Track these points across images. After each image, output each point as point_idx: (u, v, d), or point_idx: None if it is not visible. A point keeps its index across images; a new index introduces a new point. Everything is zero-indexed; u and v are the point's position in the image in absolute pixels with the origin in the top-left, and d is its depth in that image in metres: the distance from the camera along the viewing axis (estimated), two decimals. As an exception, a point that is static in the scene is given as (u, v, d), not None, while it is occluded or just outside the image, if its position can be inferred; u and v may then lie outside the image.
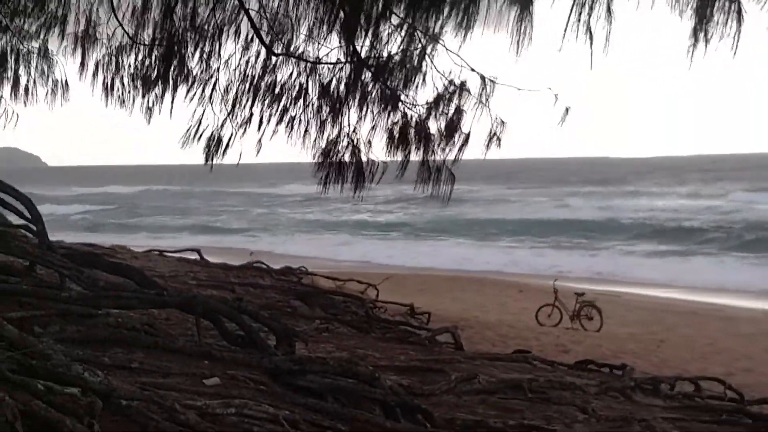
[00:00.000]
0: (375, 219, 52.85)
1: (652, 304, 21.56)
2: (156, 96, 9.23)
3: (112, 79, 9.58)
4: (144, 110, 9.42)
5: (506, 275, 28.26)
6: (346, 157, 8.49)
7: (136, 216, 59.54)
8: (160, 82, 9.27)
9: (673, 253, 35.18)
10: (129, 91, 9.48)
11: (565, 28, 5.68)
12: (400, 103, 8.27)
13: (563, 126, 7.37)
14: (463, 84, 8.02)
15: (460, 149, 8.05)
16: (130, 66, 9.47)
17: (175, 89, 9.24)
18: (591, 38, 5.79)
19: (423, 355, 8.53)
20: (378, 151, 8.59)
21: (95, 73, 9.66)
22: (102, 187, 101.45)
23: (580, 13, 5.80)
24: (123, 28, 9.25)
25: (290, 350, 6.14)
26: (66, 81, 10.63)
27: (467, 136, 8.11)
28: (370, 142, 8.58)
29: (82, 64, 9.73)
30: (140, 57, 9.33)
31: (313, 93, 8.83)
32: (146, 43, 9.19)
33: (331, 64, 8.57)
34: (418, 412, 5.23)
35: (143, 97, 9.39)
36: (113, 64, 9.57)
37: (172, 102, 9.13)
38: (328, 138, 8.59)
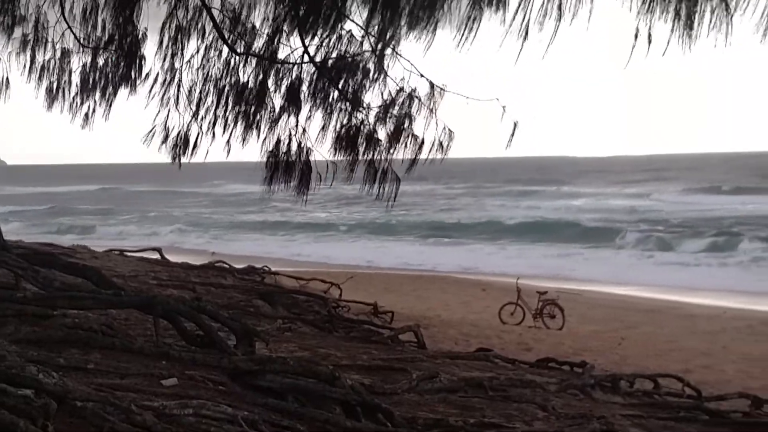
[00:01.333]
0: (339, 219, 52.84)
1: (613, 301, 21.79)
2: (107, 98, 9.18)
3: (58, 82, 9.52)
4: (84, 116, 9.40)
5: (469, 274, 28.37)
6: (293, 157, 8.48)
7: (65, 215, 58.22)
8: (117, 84, 9.24)
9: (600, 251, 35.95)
10: (77, 94, 9.44)
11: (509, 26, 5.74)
12: (351, 106, 8.27)
13: (511, 142, 7.36)
14: (413, 90, 8.02)
15: (415, 154, 8.05)
16: (86, 67, 9.41)
17: (133, 90, 9.19)
18: (526, 36, 5.85)
19: (385, 354, 8.55)
20: (326, 150, 8.61)
21: (40, 77, 9.61)
22: (51, 187, 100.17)
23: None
24: (72, 31, 9.16)
25: (250, 350, 6.11)
26: (7, 78, 10.41)
27: (417, 140, 8.10)
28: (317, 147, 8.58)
29: (29, 67, 9.66)
30: (92, 59, 9.27)
31: (272, 92, 8.82)
32: (98, 44, 9.12)
33: (289, 64, 8.55)
34: (379, 411, 5.24)
35: (96, 100, 9.35)
36: (59, 66, 9.52)
37: (110, 106, 9.13)
38: (277, 137, 8.58)
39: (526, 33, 5.95)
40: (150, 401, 4.48)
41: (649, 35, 5.58)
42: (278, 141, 8.70)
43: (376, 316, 13.76)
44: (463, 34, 6.65)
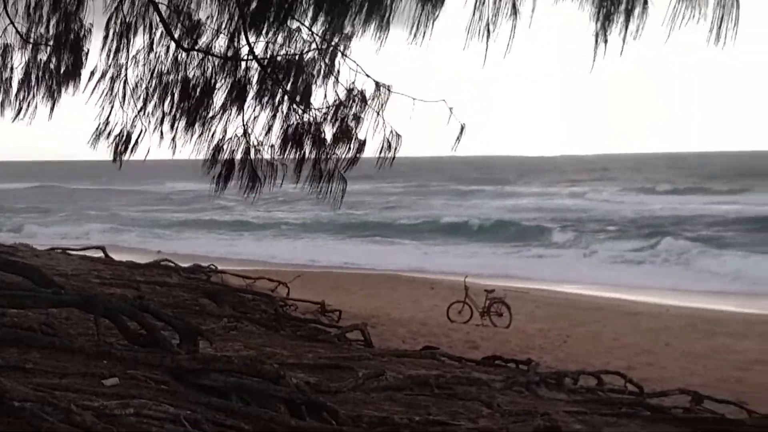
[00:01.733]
0: (285, 218, 52.62)
1: (560, 300, 22.08)
2: (51, 95, 9.04)
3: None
4: (26, 113, 9.25)
5: (418, 273, 28.50)
6: (239, 156, 8.45)
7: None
8: (61, 80, 9.09)
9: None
10: (19, 91, 9.27)
11: (469, 27, 5.77)
12: (296, 107, 8.26)
13: (458, 145, 7.40)
14: (361, 92, 8.02)
15: (355, 155, 8.06)
16: (29, 63, 9.24)
17: (78, 86, 9.07)
18: (488, 35, 5.89)
19: (332, 353, 8.55)
20: (274, 150, 8.58)
21: None
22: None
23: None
24: (14, 26, 8.98)
25: (194, 349, 6.06)
26: None
27: (362, 142, 8.11)
28: (271, 145, 8.54)
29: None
30: (35, 54, 9.11)
31: (218, 90, 8.76)
32: (41, 40, 8.96)
33: (236, 61, 8.49)
34: (324, 409, 5.24)
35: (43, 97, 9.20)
36: (0, 62, 9.32)
37: (53, 103, 9.00)
38: (224, 136, 8.54)
39: (488, 32, 6.00)
40: (90, 401, 4.42)
41: (596, 36, 5.68)
42: (223, 139, 8.65)
43: (323, 315, 13.76)
44: (413, 34, 6.69)
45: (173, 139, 8.99)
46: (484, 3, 5.89)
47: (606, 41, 5.69)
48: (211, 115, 8.74)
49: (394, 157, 7.88)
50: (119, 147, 8.99)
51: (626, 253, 34.04)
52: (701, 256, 31.71)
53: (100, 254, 18.24)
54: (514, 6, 5.89)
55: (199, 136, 8.79)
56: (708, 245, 34.73)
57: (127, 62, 8.83)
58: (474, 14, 5.90)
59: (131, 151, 9.04)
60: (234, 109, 8.61)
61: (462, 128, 7.24)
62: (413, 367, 8.24)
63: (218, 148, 8.64)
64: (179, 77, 8.88)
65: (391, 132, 7.83)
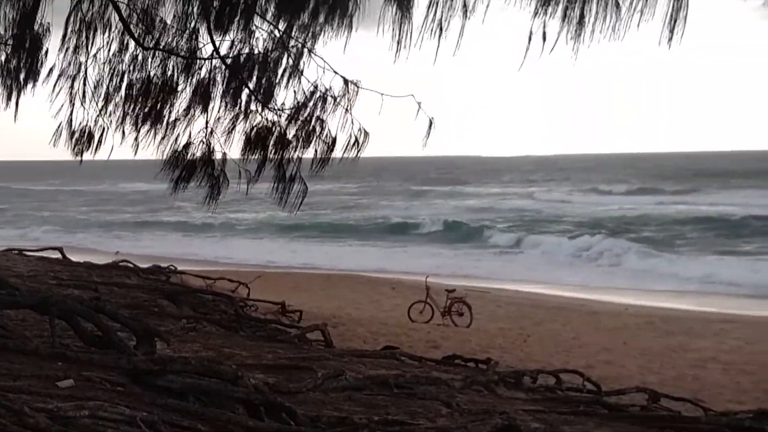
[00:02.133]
0: (245, 219, 52.45)
1: (521, 299, 22.25)
2: (8, 94, 8.91)
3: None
4: None
5: (379, 273, 28.53)
6: (201, 157, 8.39)
7: None
8: (19, 79, 8.96)
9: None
10: None
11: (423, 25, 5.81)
12: (261, 106, 8.23)
13: (427, 141, 7.43)
14: (327, 90, 8.00)
15: (325, 155, 8.05)
16: None
17: (36, 84, 8.95)
18: (440, 32, 5.93)
19: (291, 353, 8.54)
20: (236, 151, 8.53)
21: None
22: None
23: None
24: None
25: (151, 350, 6.02)
26: None
27: (328, 141, 8.10)
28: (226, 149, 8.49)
29: None
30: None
31: (179, 90, 8.69)
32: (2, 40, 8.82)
33: (200, 60, 8.43)
34: (282, 410, 5.23)
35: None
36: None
37: (8, 100, 8.86)
38: (186, 136, 8.48)
39: (441, 30, 6.03)
40: (44, 403, 4.38)
41: (544, 34, 5.73)
42: (185, 140, 8.58)
43: (284, 316, 13.74)
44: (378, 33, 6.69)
45: (136, 138, 8.93)
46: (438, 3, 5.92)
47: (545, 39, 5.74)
48: (173, 116, 8.67)
49: (357, 156, 7.88)
50: (81, 146, 8.90)
51: (565, 252, 34.83)
52: (636, 256, 32.46)
53: (57, 255, 18.01)
54: (465, 5, 5.93)
55: (162, 138, 8.71)
56: (647, 245, 35.78)
57: (87, 60, 8.74)
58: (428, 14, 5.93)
59: (95, 150, 8.96)
60: (197, 110, 8.56)
61: (431, 122, 7.29)
62: (373, 367, 8.26)
63: (180, 149, 8.57)
64: (140, 76, 8.81)
65: (360, 129, 7.83)
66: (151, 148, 8.71)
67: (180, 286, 14.42)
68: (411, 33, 6.47)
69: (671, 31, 5.36)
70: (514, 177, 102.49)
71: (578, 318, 18.88)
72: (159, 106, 8.73)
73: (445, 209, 56.77)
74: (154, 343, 6.27)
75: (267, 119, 8.32)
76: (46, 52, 8.93)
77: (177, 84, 8.64)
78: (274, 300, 14.69)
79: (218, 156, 8.48)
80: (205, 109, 8.51)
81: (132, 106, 8.82)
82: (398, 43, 6.51)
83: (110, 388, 5.08)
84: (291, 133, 8.26)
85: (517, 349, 14.09)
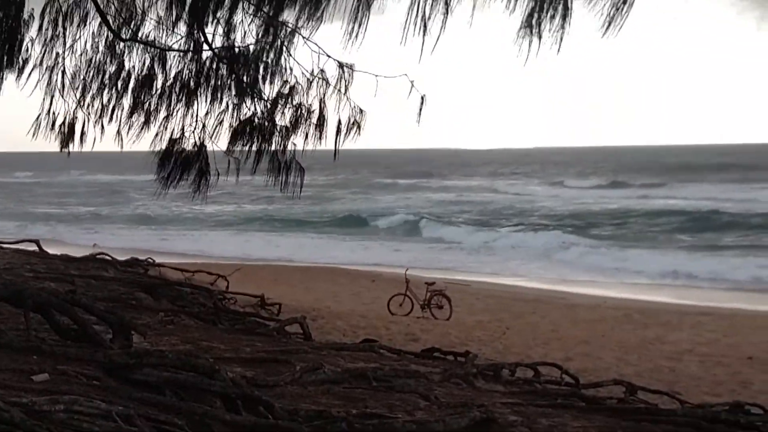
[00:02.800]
0: (227, 211, 52.32)
1: (501, 292, 22.32)
2: None
3: None
4: None
5: (359, 265, 28.54)
6: (189, 149, 8.34)
7: None
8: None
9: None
10: None
11: (406, 22, 5.80)
12: (250, 95, 8.18)
13: (421, 117, 7.45)
14: (321, 72, 7.97)
15: (314, 142, 8.04)
16: None
17: (13, 74, 8.85)
18: (425, 31, 5.93)
19: (270, 347, 8.52)
20: (225, 143, 8.49)
21: None
22: None
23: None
24: None
25: (127, 343, 5.98)
26: None
27: (322, 127, 8.08)
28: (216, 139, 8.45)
29: None
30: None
31: (161, 83, 8.62)
32: None
33: (180, 51, 8.36)
34: (260, 403, 5.20)
35: None
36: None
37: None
38: (174, 131, 8.41)
39: (425, 27, 6.02)
40: (19, 397, 4.33)
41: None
42: (173, 133, 8.52)
43: (263, 309, 13.70)
44: (351, 30, 6.69)
45: (118, 132, 8.87)
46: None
47: (537, 36, 5.75)
48: (154, 106, 8.61)
49: (358, 134, 7.88)
50: (63, 137, 8.86)
51: (510, 245, 35.55)
52: (579, 250, 32.94)
53: (34, 248, 17.87)
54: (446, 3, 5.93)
55: (142, 127, 8.65)
56: (596, 240, 36.70)
57: (64, 51, 8.66)
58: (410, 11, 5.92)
59: (80, 143, 8.92)
60: (184, 100, 8.49)
61: (422, 99, 7.31)
62: (352, 360, 8.26)
63: (169, 143, 8.51)
64: (118, 68, 8.74)
65: (354, 108, 7.80)
66: (139, 142, 8.68)
67: (158, 279, 14.36)
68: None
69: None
70: (484, 170, 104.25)
71: (557, 311, 18.97)
72: (141, 98, 8.68)
73: (405, 203, 57.39)
74: (130, 336, 6.23)
75: (256, 108, 8.28)
76: (25, 41, 8.85)
77: (155, 75, 8.59)
78: (253, 293, 14.64)
79: (210, 148, 8.46)
80: (189, 100, 8.45)
81: (113, 98, 8.77)
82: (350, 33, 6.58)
83: (86, 382, 5.04)
84: (285, 120, 8.24)
85: (496, 342, 14.13)
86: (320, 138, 8.08)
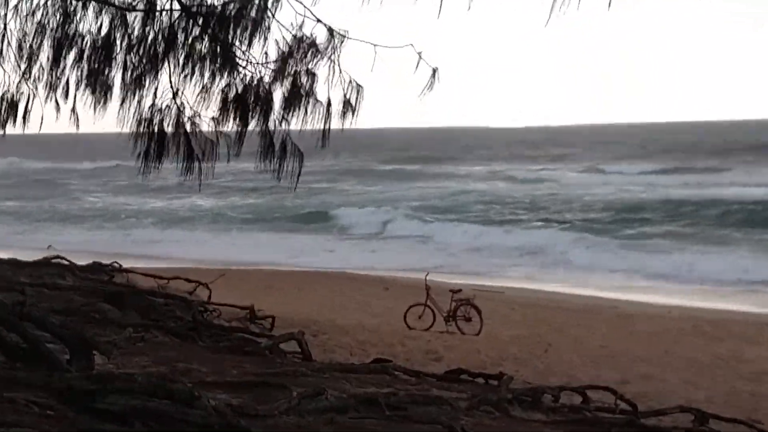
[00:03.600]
0: (208, 205, 52.52)
1: (541, 301, 22.29)
2: None
3: None
4: None
5: (369, 269, 28.55)
6: (170, 129, 8.36)
7: None
8: None
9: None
10: None
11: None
12: (235, 63, 8.18)
13: (430, 92, 7.47)
14: (312, 40, 7.99)
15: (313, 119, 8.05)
16: None
17: None
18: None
19: (261, 368, 8.54)
20: (210, 121, 8.52)
21: None
22: None
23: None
24: None
25: (88, 365, 6.00)
26: None
27: (315, 101, 8.09)
28: (199, 115, 8.47)
29: None
30: None
31: (127, 48, 8.64)
32: None
33: (143, 12, 8.38)
34: (249, 437, 5.21)
35: None
36: None
37: None
38: (145, 104, 8.44)
39: None
40: (-45, 432, 4.34)
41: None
42: (149, 109, 8.54)
43: (252, 322, 13.73)
44: None
45: (73, 109, 8.90)
46: None
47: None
48: (125, 78, 8.64)
49: (356, 115, 7.89)
50: (1, 116, 8.90)
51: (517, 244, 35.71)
52: (630, 252, 32.88)
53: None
54: None
55: (111, 105, 8.69)
56: (651, 238, 36.66)
57: (5, 14, 8.70)
58: None
59: (23, 122, 8.96)
60: (157, 70, 8.52)
61: (434, 72, 7.32)
62: (360, 384, 8.26)
63: (145, 119, 8.55)
64: (72, 32, 8.76)
65: (351, 82, 7.81)
66: (101, 120, 8.71)
67: (126, 287, 14.40)
68: None
69: None
70: (506, 152, 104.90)
71: (608, 322, 18.91)
72: (100, 68, 8.70)
73: (394, 195, 57.58)
74: (92, 356, 6.25)
75: (239, 78, 8.30)
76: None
77: (119, 40, 8.61)
78: (240, 303, 14.66)
79: (192, 126, 8.48)
80: (155, 70, 8.47)
81: (66, 69, 8.80)
82: None
83: (38, 411, 5.05)
84: (275, 92, 8.26)
85: (535, 361, 14.10)
86: (327, 116, 8.09)
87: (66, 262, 16.93)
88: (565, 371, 13.16)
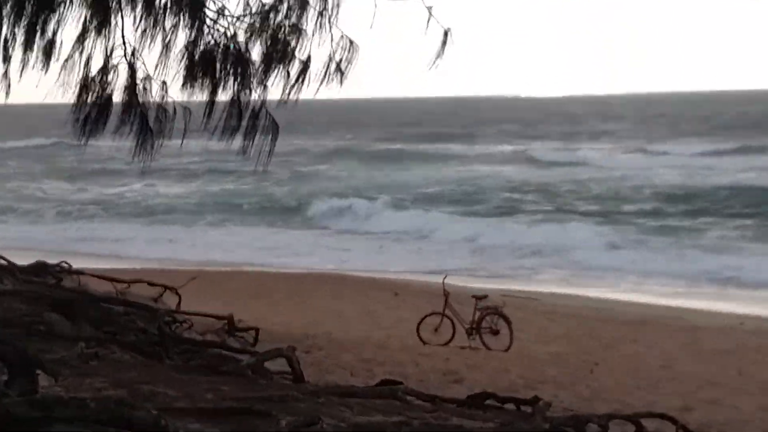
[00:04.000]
0: (174, 191, 52.62)
1: (585, 310, 22.31)
2: None
3: None
4: None
5: (375, 272, 28.62)
6: (119, 96, 8.40)
7: None
8: None
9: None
10: None
11: None
12: (202, 13, 8.22)
13: (443, 58, 7.50)
14: None
15: (294, 84, 8.06)
16: None
17: None
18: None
19: (242, 392, 8.55)
20: (173, 89, 8.56)
21: None
22: None
23: None
24: None
25: (31, 388, 6.03)
26: None
27: (304, 64, 8.12)
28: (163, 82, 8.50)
29: None
30: None
31: None
32: None
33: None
34: (227, 475, 5.25)
35: None
36: None
37: None
38: (90, 64, 8.46)
39: None
40: None
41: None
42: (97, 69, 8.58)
43: (231, 336, 13.76)
44: None
45: (5, 73, 8.95)
46: None
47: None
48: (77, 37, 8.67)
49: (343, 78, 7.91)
50: None
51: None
52: (694, 251, 33.14)
53: None
54: None
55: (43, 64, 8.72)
56: (721, 236, 37.00)
57: None
58: None
59: None
60: (106, 21, 8.54)
61: (446, 34, 7.34)
62: (364, 410, 8.27)
63: (89, 82, 8.58)
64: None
65: (342, 38, 7.84)
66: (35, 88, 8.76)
67: (77, 293, 14.43)
68: None
69: None
70: (522, 128, 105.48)
71: (670, 337, 18.93)
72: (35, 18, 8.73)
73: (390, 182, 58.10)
74: (35, 377, 6.27)
75: (214, 34, 8.33)
76: None
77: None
78: (217, 313, 14.70)
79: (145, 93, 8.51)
80: (107, 21, 8.49)
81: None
82: None
83: (-31, 444, 5.08)
84: (251, 51, 8.28)
85: (578, 384, 14.12)
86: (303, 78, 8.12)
87: (4, 262, 16.96)
88: (616, 396, 13.18)
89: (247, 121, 8.24)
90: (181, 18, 8.41)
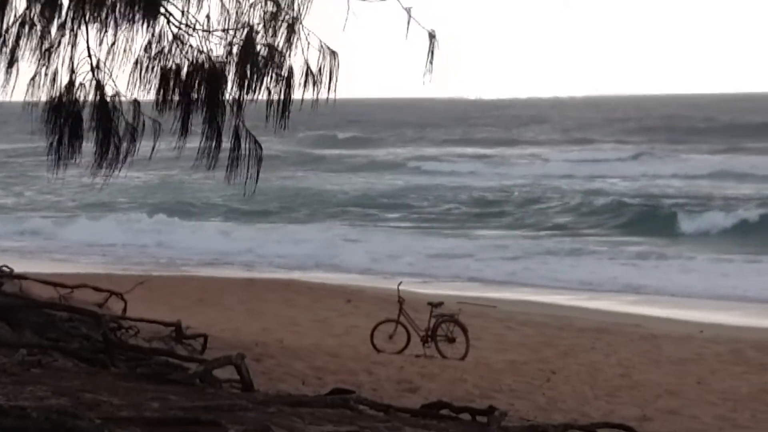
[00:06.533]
0: (129, 194, 52.40)
1: (544, 317, 22.36)
2: None
3: None
4: None
5: (328, 277, 28.61)
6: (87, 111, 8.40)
7: None
8: None
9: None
10: None
11: None
12: (164, 19, 8.21)
13: (433, 67, 7.53)
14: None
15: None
16: None
17: None
18: None
19: (190, 401, 8.53)
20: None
21: None
22: None
23: None
24: None
25: (-31, 397, 5.99)
26: None
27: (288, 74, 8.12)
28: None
29: None
30: None
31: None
32: None
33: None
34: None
35: None
36: None
37: None
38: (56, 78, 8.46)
39: None
40: None
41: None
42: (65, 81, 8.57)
43: (179, 343, 13.74)
44: None
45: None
46: None
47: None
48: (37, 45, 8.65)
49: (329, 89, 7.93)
50: None
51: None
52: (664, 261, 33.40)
53: None
54: None
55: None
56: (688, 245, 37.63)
57: None
58: None
59: None
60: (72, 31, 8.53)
61: (431, 38, 7.34)
62: (315, 420, 8.28)
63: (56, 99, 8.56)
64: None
65: (322, 48, 7.85)
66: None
67: (18, 298, 14.33)
68: None
69: None
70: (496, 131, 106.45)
71: (629, 345, 19.04)
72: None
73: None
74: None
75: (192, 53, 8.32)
76: None
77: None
78: (164, 319, 14.66)
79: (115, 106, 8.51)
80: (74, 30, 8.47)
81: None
82: None
83: None
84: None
85: (535, 393, 14.19)
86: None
87: (-62, 265, 16.85)
88: (574, 406, 13.26)
89: (231, 142, 8.22)
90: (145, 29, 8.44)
